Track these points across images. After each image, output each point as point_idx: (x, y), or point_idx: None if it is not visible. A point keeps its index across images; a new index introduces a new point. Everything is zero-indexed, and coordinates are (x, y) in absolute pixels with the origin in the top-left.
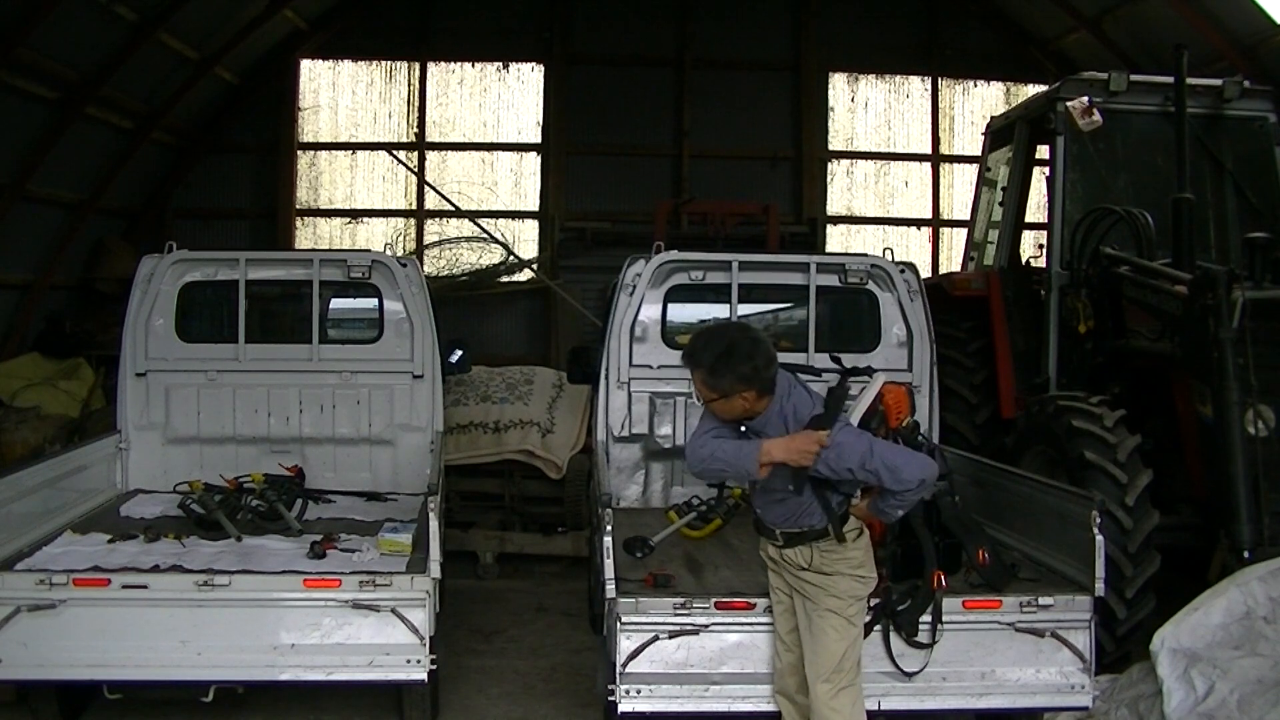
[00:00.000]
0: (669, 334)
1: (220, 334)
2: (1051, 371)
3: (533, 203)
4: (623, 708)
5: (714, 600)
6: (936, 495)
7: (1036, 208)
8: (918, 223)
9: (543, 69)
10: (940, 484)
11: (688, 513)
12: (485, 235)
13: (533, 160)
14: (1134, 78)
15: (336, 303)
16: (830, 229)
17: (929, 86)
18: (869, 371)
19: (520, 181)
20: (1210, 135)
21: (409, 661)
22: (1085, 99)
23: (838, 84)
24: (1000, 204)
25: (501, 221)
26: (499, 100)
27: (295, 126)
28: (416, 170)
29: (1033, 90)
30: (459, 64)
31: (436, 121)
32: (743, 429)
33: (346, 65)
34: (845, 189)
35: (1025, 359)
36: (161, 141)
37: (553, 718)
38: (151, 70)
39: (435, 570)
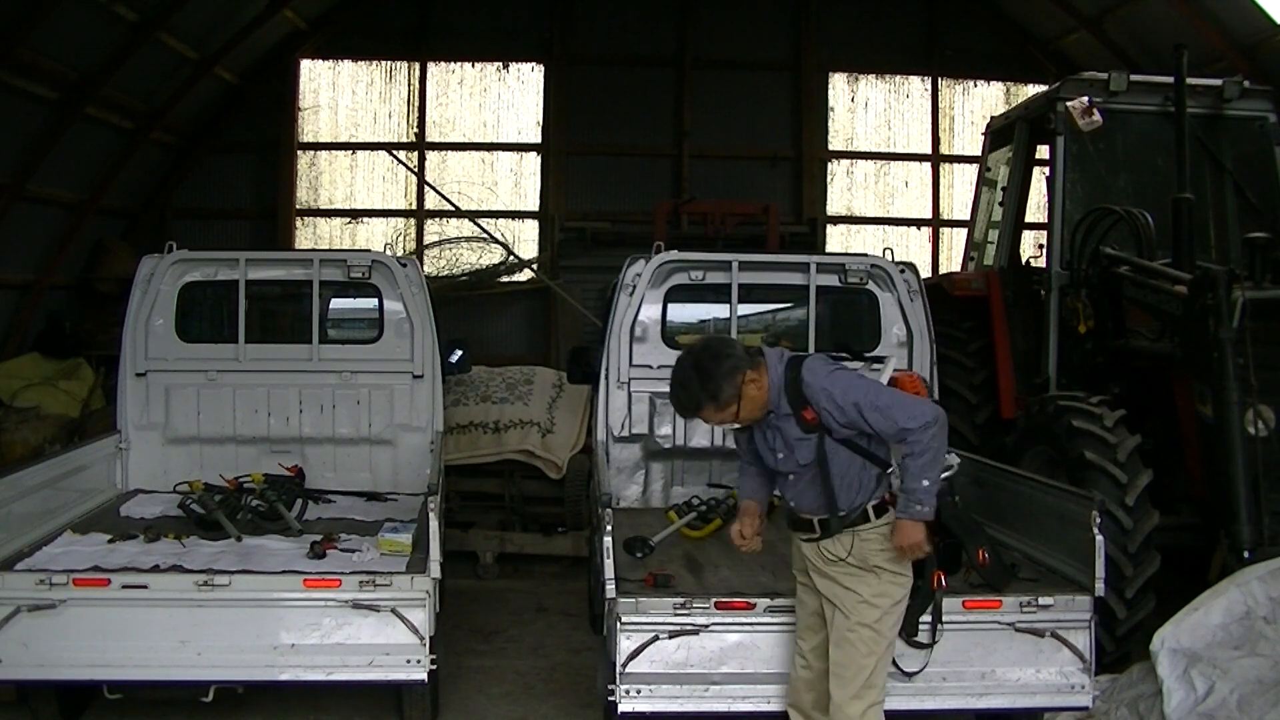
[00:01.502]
0: (669, 334)
1: (220, 334)
2: (1051, 371)
3: (533, 203)
4: (623, 708)
5: (714, 600)
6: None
7: (1036, 208)
8: (918, 223)
9: (543, 69)
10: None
11: (688, 513)
12: (485, 235)
13: (533, 160)
14: (1134, 78)
15: (336, 303)
16: (830, 229)
17: (929, 86)
18: (880, 359)
19: (520, 181)
20: (1210, 135)
21: (409, 661)
22: (1085, 99)
23: (838, 84)
24: (1000, 204)
25: (501, 221)
26: (499, 100)
27: (295, 126)
28: (416, 170)
29: (1033, 90)
30: (459, 64)
31: (436, 121)
32: (770, 414)
33: (346, 65)
34: (845, 189)
35: (1025, 359)
36: (161, 141)
37: (553, 718)
38: (151, 70)
39: (435, 570)
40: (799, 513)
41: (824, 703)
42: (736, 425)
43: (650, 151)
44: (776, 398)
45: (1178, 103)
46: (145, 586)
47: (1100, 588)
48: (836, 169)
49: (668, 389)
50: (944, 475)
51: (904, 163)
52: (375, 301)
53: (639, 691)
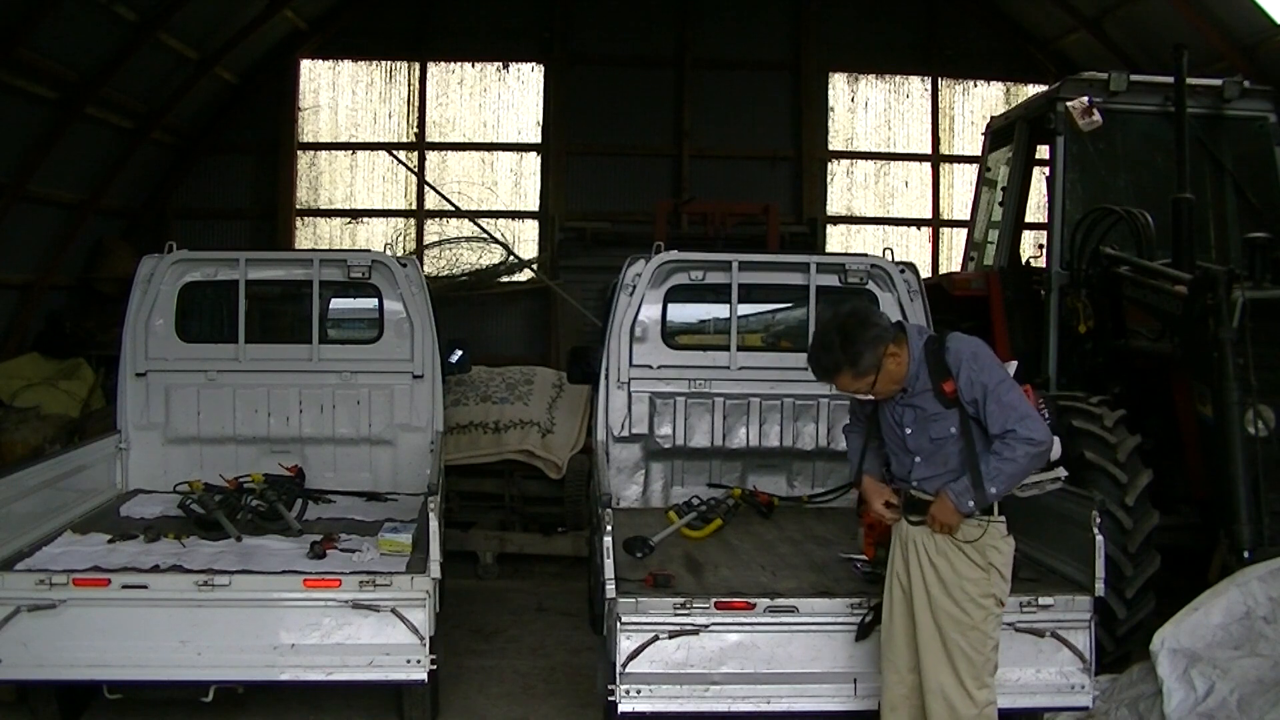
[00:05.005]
0: (669, 334)
1: (220, 334)
2: (1051, 371)
3: (533, 203)
4: (623, 708)
5: (714, 600)
6: None
7: (1036, 208)
8: (918, 223)
9: (543, 69)
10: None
11: (688, 513)
12: (485, 235)
13: (533, 160)
14: (1134, 78)
15: (336, 303)
16: (830, 229)
17: (929, 86)
18: None
19: (520, 181)
20: (1210, 135)
21: (409, 661)
22: (1085, 99)
23: (838, 84)
24: (1000, 204)
25: (501, 221)
26: (499, 100)
27: (295, 126)
28: (416, 170)
29: (1033, 90)
30: (459, 64)
31: (436, 121)
32: (905, 390)
33: (346, 65)
34: (845, 189)
35: (1025, 359)
36: (161, 141)
37: (553, 718)
38: (151, 70)
39: (435, 570)
40: (922, 494)
41: (921, 716)
42: (869, 397)
43: (650, 151)
44: (915, 371)
45: (1178, 103)
46: (145, 586)
47: (1100, 588)
48: (836, 169)
49: (669, 389)
50: (1050, 488)
51: (904, 163)
52: (375, 301)
53: (639, 691)
